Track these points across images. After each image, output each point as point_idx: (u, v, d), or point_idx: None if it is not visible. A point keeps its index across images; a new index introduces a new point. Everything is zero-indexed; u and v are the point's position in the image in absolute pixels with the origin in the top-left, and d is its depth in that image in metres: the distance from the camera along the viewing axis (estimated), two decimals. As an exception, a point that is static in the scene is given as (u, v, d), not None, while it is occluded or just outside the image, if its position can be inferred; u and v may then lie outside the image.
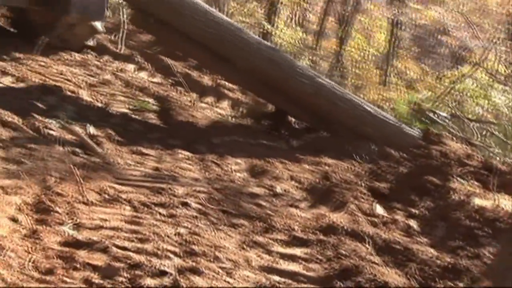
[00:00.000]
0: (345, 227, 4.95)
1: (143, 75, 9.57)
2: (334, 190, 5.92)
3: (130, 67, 9.75)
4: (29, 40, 9.30)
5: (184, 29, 7.81)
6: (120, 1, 10.46)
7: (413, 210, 5.77)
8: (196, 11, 7.82)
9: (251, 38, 8.15)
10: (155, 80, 9.50)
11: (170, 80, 9.52)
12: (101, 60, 9.83)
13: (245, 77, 8.07)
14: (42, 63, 9.01)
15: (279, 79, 7.82)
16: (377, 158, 7.17)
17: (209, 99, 9.15)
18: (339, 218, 5.21)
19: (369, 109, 8.01)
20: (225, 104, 9.17)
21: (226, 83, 9.39)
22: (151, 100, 8.51)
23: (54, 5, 9.02)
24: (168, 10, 7.79)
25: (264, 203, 5.43)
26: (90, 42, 9.85)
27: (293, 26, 17.42)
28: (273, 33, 17.31)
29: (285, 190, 5.90)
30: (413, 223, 5.47)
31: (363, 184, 6.18)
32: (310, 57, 15.22)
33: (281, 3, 17.82)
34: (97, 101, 7.90)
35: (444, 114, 9.28)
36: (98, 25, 9.56)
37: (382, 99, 12.41)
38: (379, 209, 5.70)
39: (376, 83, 14.38)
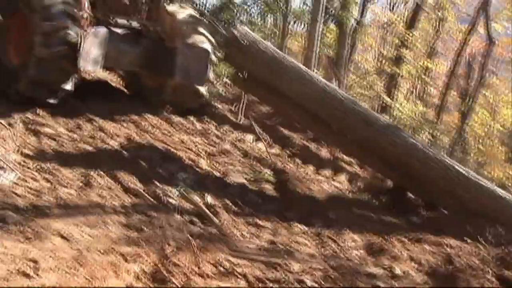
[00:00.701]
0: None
1: (261, 145, 9.63)
2: (459, 276, 5.52)
3: (249, 137, 9.87)
4: (143, 102, 10.17)
5: (282, 89, 8.05)
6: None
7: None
8: (294, 73, 8.07)
9: (346, 98, 8.14)
10: (273, 151, 9.54)
11: (287, 151, 9.53)
12: (221, 130, 10.05)
13: (340, 138, 8.08)
14: (165, 131, 9.34)
15: (370, 138, 7.75)
16: (504, 242, 6.68)
17: (326, 172, 9.03)
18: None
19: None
20: (342, 177, 9.02)
21: (344, 156, 9.25)
22: (268, 171, 8.51)
23: (161, 70, 9.88)
24: (267, 71, 8.12)
25: (382, 285, 5.16)
26: (195, 105, 10.42)
27: (413, 99, 17.10)
28: (393, 106, 17.13)
29: (404, 272, 5.59)
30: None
31: (490, 272, 5.74)
32: (430, 131, 14.84)
33: (401, 76, 17.66)
34: (216, 170, 8.00)
35: None
36: (202, 89, 10.21)
37: (507, 177, 11.80)
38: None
39: (501, 160, 13.74)
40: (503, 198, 7.51)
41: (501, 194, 7.56)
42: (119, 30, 9.60)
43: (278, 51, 8.69)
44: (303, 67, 8.54)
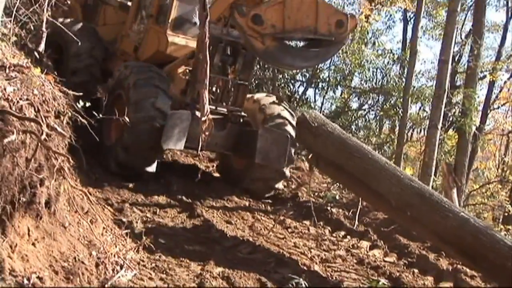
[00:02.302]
0: None
1: (377, 253, 9.33)
2: None
3: (364, 244, 9.60)
4: (232, 184, 11.24)
5: (348, 168, 8.65)
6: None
7: None
8: (359, 152, 8.65)
9: (404, 175, 8.52)
10: (388, 259, 9.19)
11: (404, 261, 9.14)
12: (335, 235, 9.87)
13: (399, 214, 8.38)
14: (279, 234, 9.30)
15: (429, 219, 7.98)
16: None
17: (447, 284, 8.52)
18: None
19: None
20: (464, 291, 8.47)
21: (467, 270, 8.73)
22: (383, 280, 8.16)
23: (244, 152, 10.85)
24: (334, 151, 8.79)
25: None
26: (279, 185, 11.44)
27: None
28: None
29: None
30: None
31: None
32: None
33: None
34: (330, 277, 7.78)
35: None
36: (285, 170, 11.09)
37: None
38: None
39: None
40: None
41: None
42: None
43: (344, 132, 9.30)
44: (365, 146, 9.17)
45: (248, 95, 11.50)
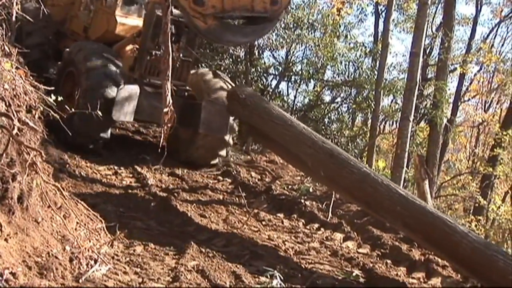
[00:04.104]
0: None
1: (350, 244, 9.40)
2: None
3: (338, 236, 9.68)
4: (178, 153, 11.85)
5: (271, 134, 9.87)
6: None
7: None
8: (280, 120, 9.82)
9: (318, 138, 9.49)
10: (362, 250, 9.28)
11: (377, 252, 9.24)
12: (309, 228, 9.93)
13: (316, 173, 9.44)
14: (253, 228, 9.35)
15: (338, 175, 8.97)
16: None
17: (419, 275, 8.63)
18: None
19: None
20: (436, 280, 8.59)
21: (439, 260, 8.85)
22: (357, 271, 8.24)
23: (189, 124, 11.56)
24: (260, 120, 10.02)
25: None
26: (223, 153, 12.27)
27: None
28: (487, 207, 16.51)
29: None
30: None
31: None
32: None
33: (497, 177, 17.09)
34: (304, 269, 7.83)
35: None
36: (227, 137, 11.97)
37: None
38: None
39: None
40: None
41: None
42: (152, 89, 11.40)
43: (268, 102, 11.02)
44: (287, 115, 10.46)
45: (192, 71, 12.38)
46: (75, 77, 11.18)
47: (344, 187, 9.05)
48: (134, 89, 11.00)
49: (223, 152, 12.32)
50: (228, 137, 12.02)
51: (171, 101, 8.97)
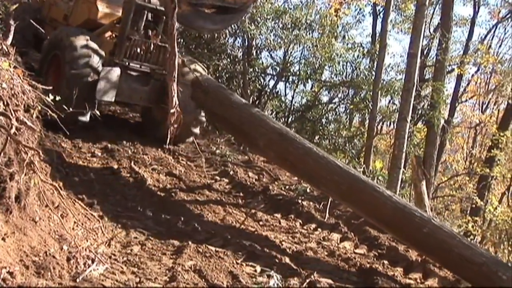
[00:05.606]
0: None
1: (347, 245, 9.42)
2: None
3: (335, 236, 9.70)
4: (154, 132, 12.76)
5: (229, 117, 10.90)
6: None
7: None
8: (236, 104, 10.93)
9: (269, 119, 10.70)
10: (359, 251, 9.29)
11: (374, 252, 9.26)
12: (306, 228, 9.94)
13: (267, 153, 10.59)
14: (250, 228, 9.36)
15: (286, 151, 9.95)
16: None
17: (416, 275, 8.66)
18: None
19: None
20: (432, 281, 8.61)
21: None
22: (354, 271, 8.27)
23: (165, 104, 11.65)
24: (220, 105, 11.11)
25: None
26: (196, 130, 12.91)
27: (509, 202, 16.43)
28: (484, 208, 16.51)
29: None
30: None
31: None
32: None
33: (494, 178, 17.11)
34: (301, 269, 7.82)
35: None
36: (200, 117, 12.70)
37: None
38: None
39: None
40: None
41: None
42: (132, 72, 12.26)
43: (226, 89, 12.30)
44: (243, 100, 11.67)
45: None
46: (60, 60, 11.79)
47: (291, 161, 9.83)
48: (116, 71, 11.72)
49: (196, 130, 12.96)
50: (201, 116, 12.75)
51: (177, 102, 9.30)
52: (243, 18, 15.55)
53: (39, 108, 6.37)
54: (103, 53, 11.89)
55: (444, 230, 8.45)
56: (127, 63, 12.18)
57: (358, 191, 9.05)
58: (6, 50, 8.51)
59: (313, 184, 10.18)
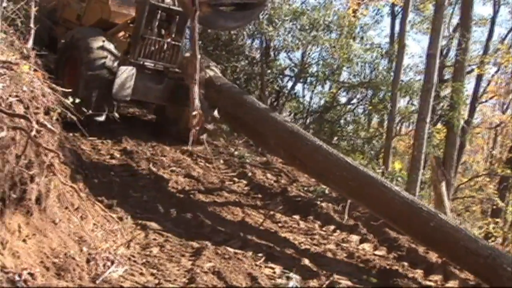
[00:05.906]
0: None
1: (367, 247, 9.38)
2: None
3: (354, 238, 9.65)
4: (167, 129, 13.15)
5: (242, 116, 10.97)
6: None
7: None
8: (249, 103, 11.07)
9: (281, 118, 10.94)
10: (378, 253, 9.24)
11: (394, 254, 9.20)
12: (325, 230, 9.91)
13: (278, 151, 10.83)
14: (269, 229, 9.34)
15: (295, 148, 10.10)
16: None
17: (436, 277, 8.58)
18: None
19: None
20: (453, 283, 8.53)
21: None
22: (373, 273, 8.22)
23: (180, 103, 12.22)
24: (233, 104, 11.22)
25: None
26: (210, 126, 12.64)
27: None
28: (505, 209, 16.35)
29: None
30: None
31: None
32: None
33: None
34: (321, 271, 7.80)
35: None
36: (215, 113, 12.03)
37: None
38: None
39: None
40: None
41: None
42: (146, 71, 12.36)
43: (238, 88, 12.44)
44: (255, 99, 11.60)
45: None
46: (76, 61, 12.00)
47: (300, 158, 9.99)
48: (131, 70, 11.89)
49: (210, 126, 12.92)
50: (215, 113, 12.58)
51: (199, 105, 9.41)
52: (261, 18, 15.87)
53: (59, 110, 6.40)
54: (118, 53, 12.09)
55: (450, 223, 8.55)
56: (141, 62, 12.31)
57: (367, 187, 9.15)
58: (26, 53, 8.58)
59: (322, 181, 10.32)
